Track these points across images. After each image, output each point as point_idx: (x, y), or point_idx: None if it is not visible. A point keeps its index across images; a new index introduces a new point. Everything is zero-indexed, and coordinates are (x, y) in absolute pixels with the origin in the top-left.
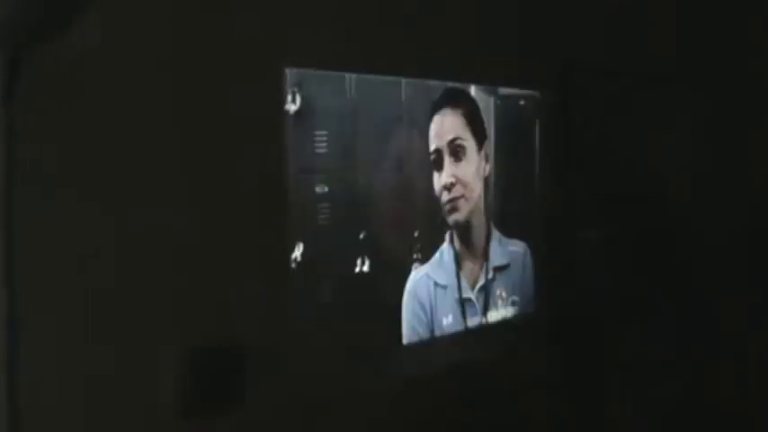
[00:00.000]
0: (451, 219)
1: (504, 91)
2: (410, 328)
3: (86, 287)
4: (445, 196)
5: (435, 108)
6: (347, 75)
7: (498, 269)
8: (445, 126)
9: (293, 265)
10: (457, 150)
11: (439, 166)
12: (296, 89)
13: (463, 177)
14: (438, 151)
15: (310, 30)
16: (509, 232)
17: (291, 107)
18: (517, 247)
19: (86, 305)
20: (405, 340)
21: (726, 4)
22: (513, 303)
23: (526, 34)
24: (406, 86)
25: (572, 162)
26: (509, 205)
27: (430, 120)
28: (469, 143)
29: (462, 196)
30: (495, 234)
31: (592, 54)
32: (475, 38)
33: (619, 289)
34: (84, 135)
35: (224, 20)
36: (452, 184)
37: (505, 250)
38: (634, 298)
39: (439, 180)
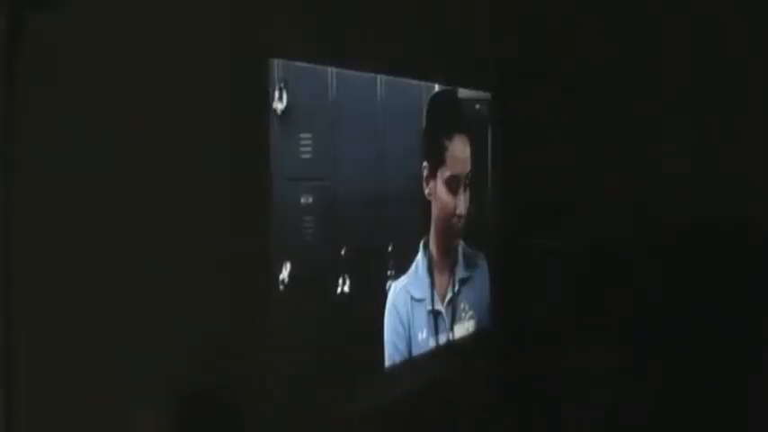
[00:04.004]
0: (455, 243)
1: (462, 94)
2: (391, 345)
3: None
4: (455, 221)
5: (454, 126)
6: (329, 70)
7: (462, 281)
8: (466, 154)
9: (281, 288)
10: (467, 183)
11: (455, 191)
12: (282, 85)
13: (467, 208)
14: (457, 178)
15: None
16: (471, 243)
17: (278, 105)
18: (479, 258)
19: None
20: (387, 360)
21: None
22: (474, 317)
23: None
24: (382, 83)
25: (518, 168)
26: (470, 215)
27: (448, 135)
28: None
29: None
30: (461, 244)
31: (535, 57)
32: (437, 39)
33: (573, 300)
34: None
35: (209, 9)
36: (463, 215)
37: (469, 262)
38: (588, 310)
39: (454, 203)
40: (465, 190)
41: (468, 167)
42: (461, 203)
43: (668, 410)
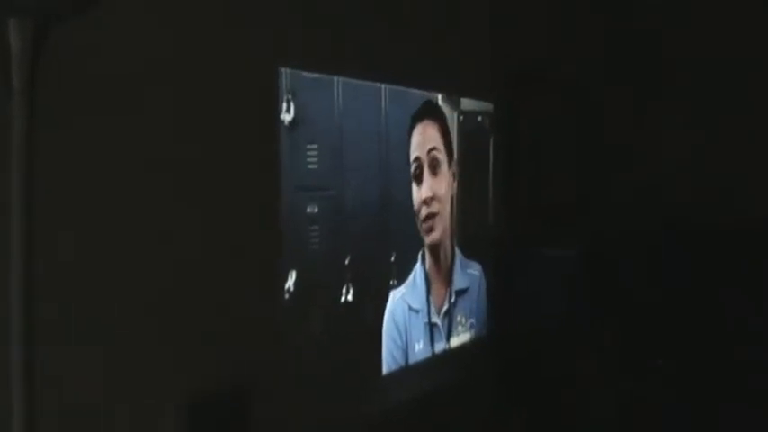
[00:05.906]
0: (429, 239)
1: (465, 106)
2: (388, 354)
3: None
4: (424, 211)
5: (416, 119)
6: (336, 81)
7: (459, 293)
8: (425, 135)
9: (286, 296)
10: (434, 163)
11: (419, 179)
12: (290, 96)
13: (438, 193)
14: (418, 161)
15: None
16: (468, 254)
17: (286, 117)
18: (475, 269)
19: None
20: (384, 368)
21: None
22: (471, 327)
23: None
24: (386, 95)
25: (520, 179)
26: (468, 225)
27: (411, 130)
28: (443, 157)
29: (438, 214)
30: (458, 255)
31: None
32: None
33: (571, 309)
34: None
35: (217, 19)
36: (431, 199)
37: (465, 273)
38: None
39: (419, 193)
40: (431, 173)
41: (427, 146)
42: (425, 187)
43: (673, 414)
